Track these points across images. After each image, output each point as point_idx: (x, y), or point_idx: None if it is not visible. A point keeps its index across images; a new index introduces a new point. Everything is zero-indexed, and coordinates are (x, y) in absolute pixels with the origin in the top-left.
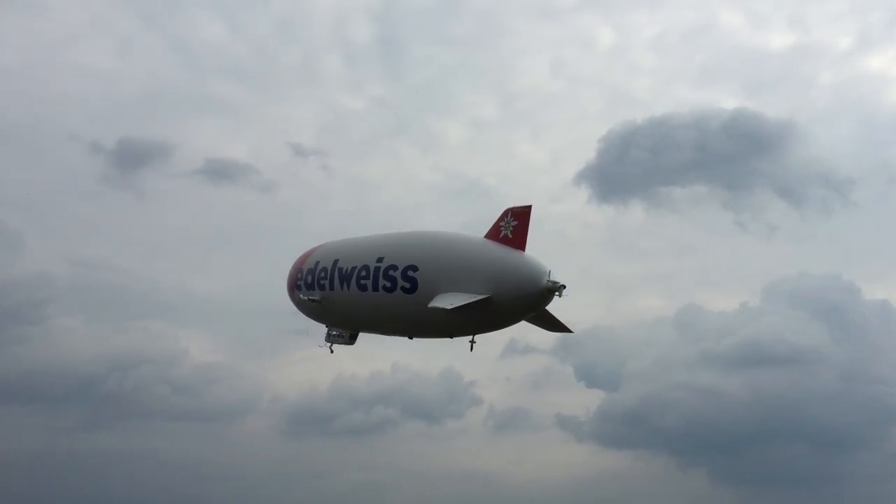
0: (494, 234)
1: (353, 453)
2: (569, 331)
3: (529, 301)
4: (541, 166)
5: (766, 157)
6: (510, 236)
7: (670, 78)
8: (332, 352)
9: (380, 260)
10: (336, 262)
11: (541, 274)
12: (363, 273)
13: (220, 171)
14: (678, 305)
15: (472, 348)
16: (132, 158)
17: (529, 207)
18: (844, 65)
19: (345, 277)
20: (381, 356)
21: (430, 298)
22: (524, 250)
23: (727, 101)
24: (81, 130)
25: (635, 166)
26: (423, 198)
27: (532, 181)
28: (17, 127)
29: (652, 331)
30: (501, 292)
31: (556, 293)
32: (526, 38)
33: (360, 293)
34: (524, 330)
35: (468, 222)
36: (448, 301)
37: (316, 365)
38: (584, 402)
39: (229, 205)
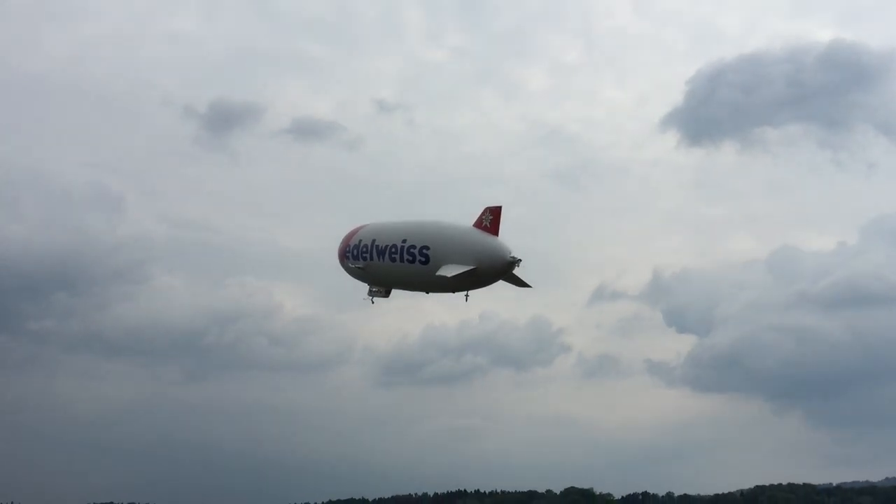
0: (478, 224)
1: (443, 400)
2: (528, 286)
3: (500, 270)
4: (626, 111)
5: (865, 91)
6: (488, 226)
7: (761, 11)
8: (372, 303)
9: (404, 241)
10: (374, 241)
11: (506, 252)
12: (393, 250)
13: (307, 130)
14: (771, 246)
15: (466, 299)
16: (223, 120)
17: (500, 207)
18: None
19: (380, 252)
20: (469, 306)
21: (438, 268)
22: (497, 235)
23: (822, 32)
24: (174, 94)
25: (725, 106)
26: (506, 147)
27: (617, 126)
28: (113, 94)
29: (744, 273)
30: (483, 264)
31: (516, 265)
32: None
33: (390, 263)
34: (613, 275)
35: (552, 171)
36: (449, 271)
37: (406, 315)
38: (675, 347)
39: (318, 162)
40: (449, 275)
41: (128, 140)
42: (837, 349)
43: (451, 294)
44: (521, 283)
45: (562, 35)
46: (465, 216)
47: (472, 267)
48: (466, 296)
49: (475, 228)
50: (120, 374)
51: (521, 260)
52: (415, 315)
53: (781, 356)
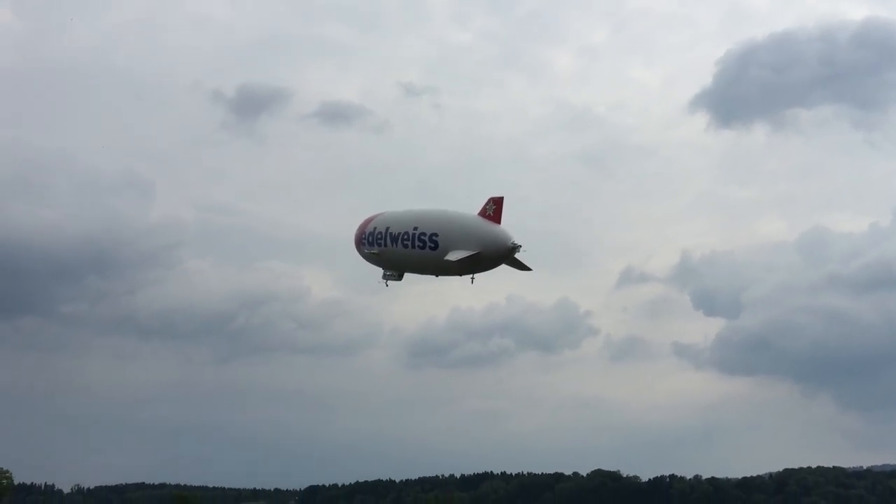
0: (482, 213)
1: (470, 383)
2: (529, 269)
3: (502, 255)
4: (653, 92)
5: None
6: (492, 215)
7: None
8: (387, 286)
9: (415, 229)
10: (388, 228)
11: (508, 239)
12: (405, 237)
13: (334, 114)
14: (802, 228)
15: (472, 281)
16: (251, 105)
17: (502, 197)
18: None
19: (394, 239)
20: (495, 289)
21: (446, 254)
22: (500, 223)
23: (856, 10)
24: (202, 80)
25: (756, 87)
26: (533, 130)
27: (644, 108)
28: (142, 80)
29: (773, 255)
30: (486, 249)
31: (517, 250)
32: None
33: (403, 249)
34: (641, 258)
35: (578, 153)
36: (455, 255)
37: (432, 299)
38: (703, 329)
39: (345, 146)
40: (455, 259)
41: (157, 126)
42: (868, 331)
43: (468, 277)
44: (522, 266)
45: (588, 16)
46: (485, 200)
47: (476, 251)
48: (472, 279)
49: (480, 217)
50: (151, 356)
51: (521, 246)
52: (442, 298)
53: (811, 338)
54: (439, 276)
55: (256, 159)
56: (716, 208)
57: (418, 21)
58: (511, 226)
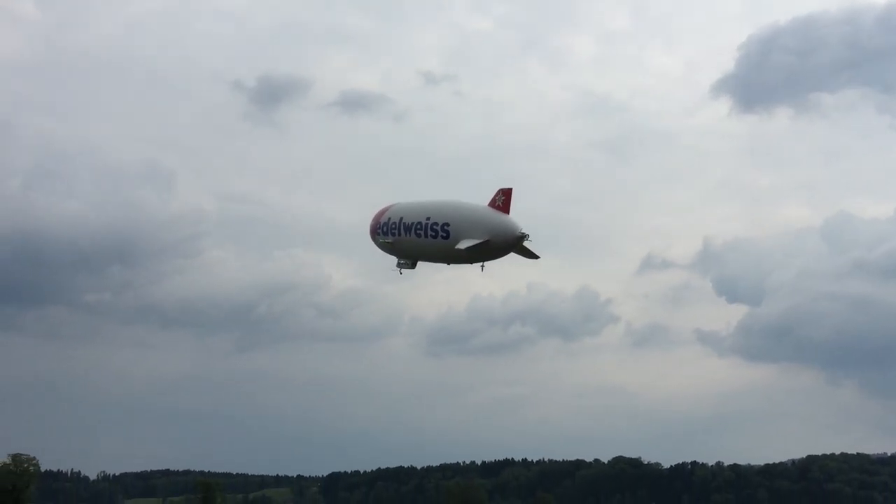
0: (492, 203)
1: (491, 370)
2: (537, 257)
3: (511, 243)
4: (675, 78)
5: None
6: (501, 206)
7: None
8: (401, 273)
9: (428, 219)
10: (402, 218)
11: (516, 228)
12: (418, 226)
13: (354, 102)
14: (826, 214)
15: (482, 269)
16: (271, 95)
17: (511, 189)
18: None
19: (407, 228)
20: (516, 277)
21: (457, 242)
22: (508, 213)
23: None
24: (223, 70)
25: (779, 71)
26: (552, 117)
27: (666, 94)
28: (163, 70)
29: (797, 241)
30: (496, 238)
31: (525, 239)
32: None
33: (416, 238)
34: (662, 244)
35: (598, 140)
36: (466, 244)
37: (453, 287)
38: (725, 316)
39: (365, 134)
40: (465, 247)
41: (178, 116)
42: (894, 318)
43: (478, 265)
44: (530, 254)
45: (608, 1)
46: (508, 186)
47: (485, 240)
48: (482, 266)
49: (489, 207)
50: (173, 344)
51: (529, 235)
52: (462, 286)
53: (836, 325)
54: (451, 264)
55: (277, 149)
56: (738, 194)
57: (438, 8)
58: (531, 213)
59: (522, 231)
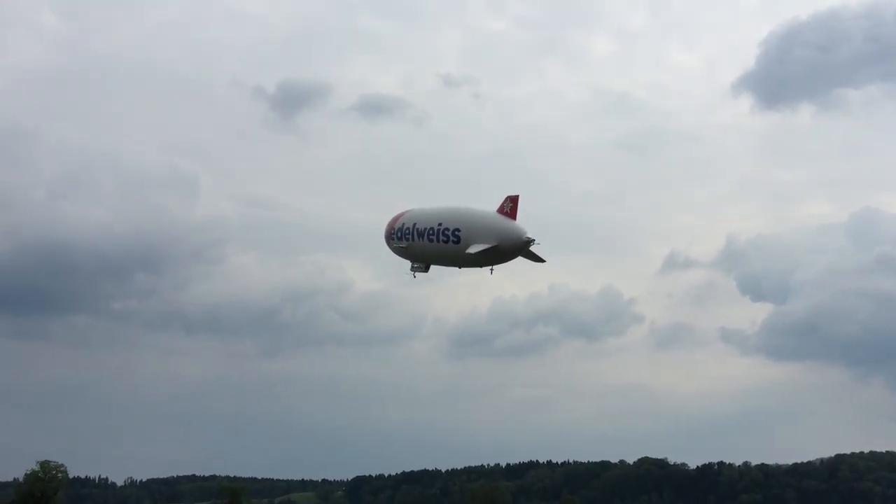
0: (500, 210)
1: (514, 371)
2: (543, 261)
3: (518, 248)
4: (695, 75)
5: None
6: (508, 212)
7: None
8: (414, 277)
9: (439, 224)
10: (415, 224)
11: (523, 233)
12: (430, 232)
13: (374, 107)
14: (851, 210)
15: (491, 272)
16: (292, 100)
17: (518, 196)
18: None
19: (420, 234)
20: (538, 278)
21: (467, 247)
22: (515, 219)
23: None
24: (243, 76)
25: (801, 67)
26: (572, 116)
27: (685, 91)
28: (185, 78)
29: (821, 238)
30: (503, 243)
31: (531, 244)
32: None
33: (428, 243)
34: (685, 243)
35: (618, 139)
36: (475, 249)
37: (475, 289)
38: (750, 315)
39: (385, 138)
40: (474, 251)
41: (200, 123)
42: None
43: (488, 268)
44: (536, 258)
45: None
46: (528, 187)
47: (493, 245)
48: (491, 269)
49: (498, 213)
50: (198, 350)
51: (534, 240)
52: (484, 288)
53: (862, 322)
54: (462, 268)
55: (298, 154)
56: (761, 191)
57: (454, 11)
58: (553, 214)
59: (529, 236)
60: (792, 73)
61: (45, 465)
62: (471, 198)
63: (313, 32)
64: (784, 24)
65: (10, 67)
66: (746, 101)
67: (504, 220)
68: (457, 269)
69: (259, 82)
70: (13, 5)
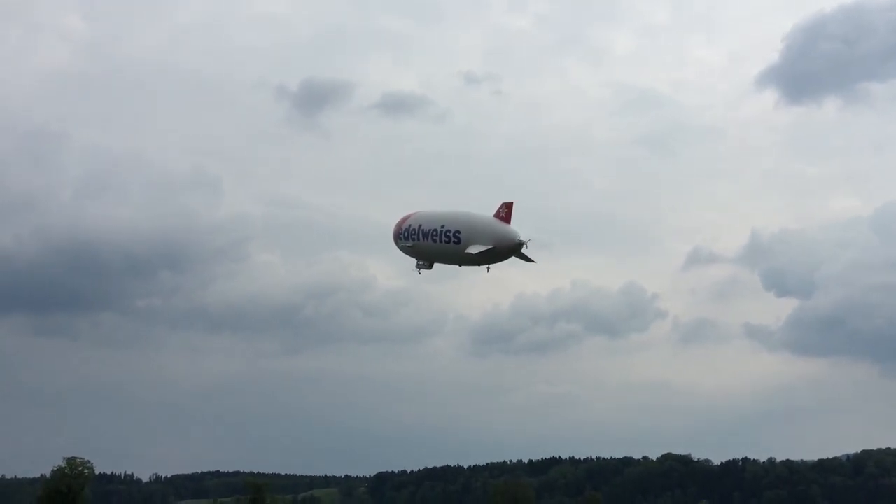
0: (497, 215)
1: (537, 368)
2: (533, 262)
3: (511, 249)
4: (718, 71)
5: None
6: (504, 217)
7: None
8: (419, 273)
9: (442, 226)
10: (420, 226)
11: (516, 236)
12: (434, 233)
13: (396, 105)
14: (876, 204)
15: (488, 271)
16: (314, 99)
17: (512, 203)
18: None
19: (425, 234)
20: (560, 274)
21: (466, 248)
22: (510, 223)
23: None
24: (266, 76)
25: (826, 61)
26: (594, 113)
27: (709, 87)
28: (208, 79)
29: (847, 232)
30: (499, 244)
31: (524, 246)
32: None
33: (432, 243)
34: (709, 238)
35: (641, 135)
36: (474, 249)
37: (497, 286)
38: (775, 310)
39: (407, 136)
40: (473, 252)
41: (223, 123)
42: None
43: (486, 267)
44: (527, 259)
45: None
46: (548, 186)
47: (490, 246)
48: (488, 268)
49: (494, 218)
50: (222, 348)
51: (526, 243)
52: (506, 285)
53: (888, 316)
54: (462, 266)
55: (321, 153)
56: (786, 186)
57: (476, 9)
58: (575, 211)
59: (521, 239)
60: (817, 67)
61: (71, 461)
62: (491, 195)
63: (336, 32)
64: (808, 17)
65: (37, 71)
66: (771, 96)
67: (500, 224)
68: (457, 266)
69: (282, 82)
70: (40, 9)
